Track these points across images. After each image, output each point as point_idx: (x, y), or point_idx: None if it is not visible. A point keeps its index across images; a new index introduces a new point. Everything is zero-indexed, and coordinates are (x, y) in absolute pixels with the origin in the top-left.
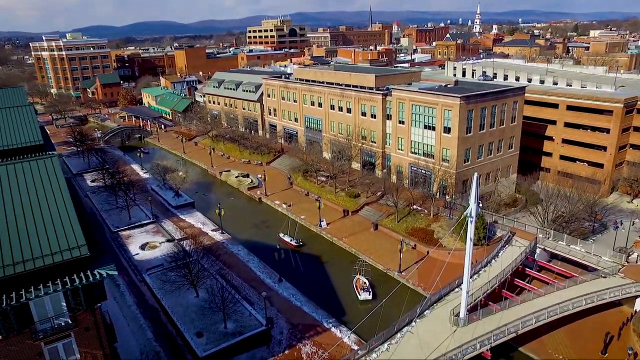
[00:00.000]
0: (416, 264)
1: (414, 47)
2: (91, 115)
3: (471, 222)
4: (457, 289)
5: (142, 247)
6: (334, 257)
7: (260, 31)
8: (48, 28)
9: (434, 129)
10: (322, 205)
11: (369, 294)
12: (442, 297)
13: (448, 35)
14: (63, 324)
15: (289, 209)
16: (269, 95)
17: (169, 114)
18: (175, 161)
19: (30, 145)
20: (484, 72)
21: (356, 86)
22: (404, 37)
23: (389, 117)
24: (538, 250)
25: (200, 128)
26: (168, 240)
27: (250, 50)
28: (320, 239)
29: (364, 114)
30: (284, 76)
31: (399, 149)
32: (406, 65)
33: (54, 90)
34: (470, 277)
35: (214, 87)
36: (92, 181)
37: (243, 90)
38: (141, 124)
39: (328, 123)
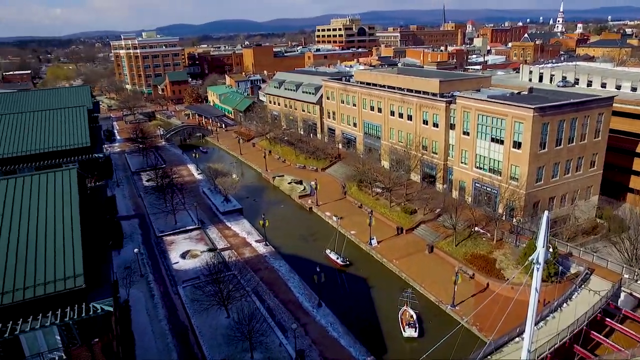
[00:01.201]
0: (473, 297)
1: (488, 48)
2: (159, 112)
3: (537, 269)
4: (517, 339)
5: (183, 256)
6: (382, 281)
7: (329, 30)
8: (136, 27)
9: (502, 142)
10: (372, 222)
11: (415, 331)
12: (499, 348)
13: (526, 35)
14: (56, 359)
15: (339, 222)
16: (328, 98)
17: (231, 113)
18: (229, 163)
19: (77, 147)
20: (564, 78)
21: (419, 91)
22: (477, 37)
23: (452, 126)
24: (622, 295)
25: (258, 129)
26: (210, 250)
27: (318, 50)
28: (369, 259)
29: (425, 122)
30: (344, 78)
31: (462, 163)
32: (477, 67)
33: (128, 87)
34: (535, 324)
35: (275, 87)
36: (147, 180)
37: (303, 92)
38: (203, 123)
39: (387, 130)
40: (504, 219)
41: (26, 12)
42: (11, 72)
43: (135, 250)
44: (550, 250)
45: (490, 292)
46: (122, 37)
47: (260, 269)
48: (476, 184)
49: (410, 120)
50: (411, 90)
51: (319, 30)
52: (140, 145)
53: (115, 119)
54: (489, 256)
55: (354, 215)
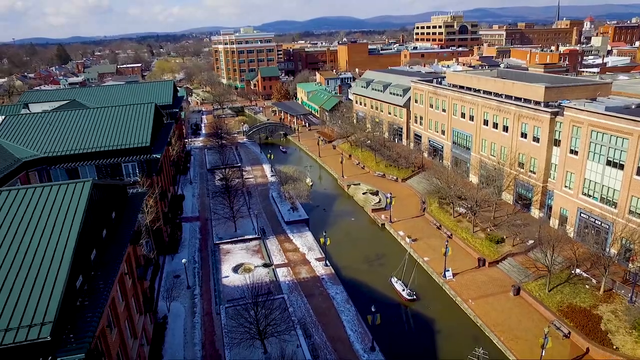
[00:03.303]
0: None
1: (608, 48)
2: (248, 107)
3: None
4: None
5: (235, 269)
6: (452, 325)
7: (428, 27)
8: (243, 23)
9: (622, 167)
10: (449, 251)
11: None
12: None
13: None
14: None
15: (412, 245)
16: (416, 101)
17: (317, 112)
18: (305, 166)
19: (137, 147)
20: None
21: (519, 98)
22: (596, 35)
23: (557, 142)
24: None
25: (341, 130)
26: (264, 265)
27: (415, 48)
28: (441, 295)
29: (524, 135)
30: (435, 80)
31: (565, 187)
32: (594, 70)
33: (224, 81)
34: None
35: (362, 87)
36: (220, 179)
37: (390, 93)
38: (288, 120)
39: (479, 141)
40: (615, 261)
41: (149, 11)
42: (125, 65)
43: (184, 260)
44: None
45: None
46: (220, 32)
47: (314, 294)
48: (582, 215)
49: (506, 131)
50: (510, 97)
51: (418, 28)
52: (221, 141)
53: (205, 112)
54: (593, 311)
55: (431, 237)
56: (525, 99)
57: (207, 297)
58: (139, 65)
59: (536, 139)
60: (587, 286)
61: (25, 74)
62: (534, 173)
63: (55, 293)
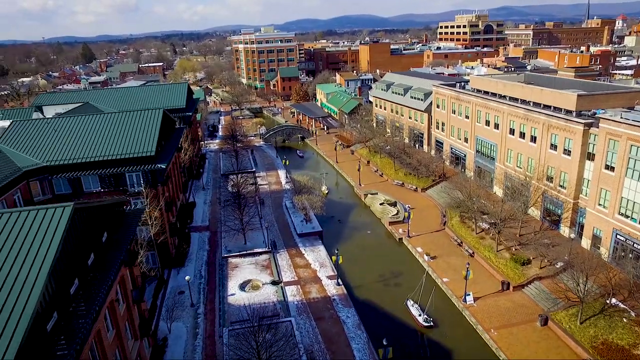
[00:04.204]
0: None
1: None
2: (266, 108)
3: None
4: None
5: (242, 286)
6: (471, 358)
7: (452, 27)
8: (267, 21)
9: None
10: (470, 275)
11: None
12: None
13: None
14: None
15: (430, 263)
16: (438, 106)
17: (336, 114)
18: (320, 173)
19: (140, 156)
20: None
21: (549, 106)
22: (629, 34)
23: (590, 156)
24: None
25: (360, 135)
26: (273, 282)
27: (438, 48)
28: (460, 322)
29: (553, 146)
30: (458, 84)
31: (599, 205)
32: (628, 72)
33: (244, 80)
34: None
35: (382, 90)
36: (232, 186)
37: (411, 97)
38: (307, 122)
39: (504, 151)
40: None
41: (174, 10)
42: (147, 64)
43: (187, 277)
44: None
45: None
46: (241, 32)
47: (324, 317)
48: (618, 236)
49: (534, 142)
50: (538, 105)
51: (441, 27)
52: (236, 145)
53: (224, 113)
54: (632, 351)
55: (451, 255)
56: (555, 107)
57: (211, 317)
58: (161, 64)
59: (567, 152)
60: (624, 319)
61: (50, 72)
62: (564, 188)
63: (13, 345)
